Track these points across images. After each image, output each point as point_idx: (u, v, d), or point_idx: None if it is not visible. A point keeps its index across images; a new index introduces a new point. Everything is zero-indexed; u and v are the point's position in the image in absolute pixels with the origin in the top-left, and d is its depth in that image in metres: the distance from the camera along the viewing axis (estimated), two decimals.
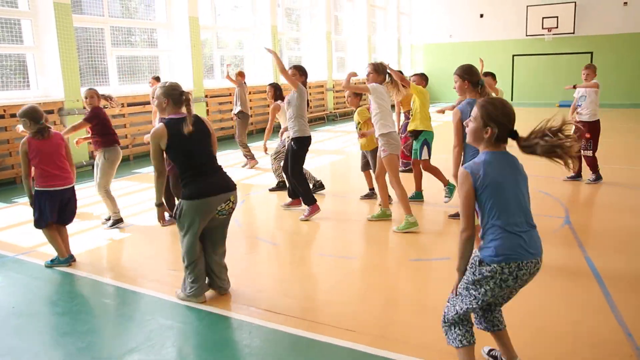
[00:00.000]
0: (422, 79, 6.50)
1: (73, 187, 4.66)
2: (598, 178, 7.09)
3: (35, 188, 4.48)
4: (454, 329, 2.63)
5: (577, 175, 7.15)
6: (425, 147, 6.14)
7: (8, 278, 4.38)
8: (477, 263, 2.48)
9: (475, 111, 2.55)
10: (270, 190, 7.17)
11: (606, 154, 9.31)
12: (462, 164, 4.20)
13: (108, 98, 5.93)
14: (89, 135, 5.72)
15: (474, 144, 2.59)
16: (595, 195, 6.64)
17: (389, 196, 5.83)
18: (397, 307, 3.72)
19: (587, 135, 6.94)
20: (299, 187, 5.88)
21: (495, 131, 2.46)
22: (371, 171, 6.24)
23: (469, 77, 4.24)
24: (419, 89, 6.26)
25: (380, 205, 5.70)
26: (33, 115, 4.44)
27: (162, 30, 11.68)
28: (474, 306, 2.53)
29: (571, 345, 3.06)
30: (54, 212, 4.52)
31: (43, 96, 8.89)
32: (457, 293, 2.60)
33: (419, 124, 6.17)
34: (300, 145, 5.82)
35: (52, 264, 4.57)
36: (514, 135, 2.51)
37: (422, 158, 6.15)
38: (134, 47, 11.36)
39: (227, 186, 3.70)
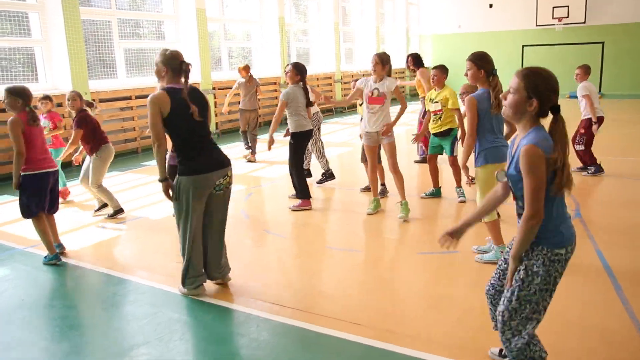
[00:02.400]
0: (443, 72, 6.31)
1: (57, 171, 4.63)
2: (597, 170, 7.08)
3: (22, 174, 4.35)
4: (534, 344, 2.42)
5: (598, 170, 7.10)
6: (457, 143, 6.06)
7: (16, 270, 4.41)
8: (544, 252, 2.33)
9: (516, 82, 2.32)
10: (318, 183, 7.08)
11: (621, 145, 9.21)
12: (476, 154, 4.18)
13: (89, 104, 5.99)
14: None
15: (512, 118, 2.38)
16: (606, 188, 6.57)
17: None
18: (404, 300, 3.69)
19: (582, 131, 7.07)
20: (297, 180, 5.99)
21: (538, 105, 2.27)
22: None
23: (486, 65, 4.04)
24: (452, 91, 6.12)
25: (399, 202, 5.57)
26: (28, 96, 4.39)
27: (170, 23, 11.66)
28: (548, 302, 2.40)
29: (581, 340, 3.03)
30: (46, 199, 4.46)
31: (51, 89, 8.91)
32: (528, 301, 2.37)
33: (450, 123, 6.02)
34: (298, 139, 5.99)
35: (47, 261, 4.51)
36: (557, 110, 2.29)
37: (455, 154, 6.08)
38: (141, 40, 11.35)
39: (224, 162, 3.68)
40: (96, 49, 10.11)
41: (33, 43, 8.95)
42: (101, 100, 9.50)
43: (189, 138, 3.55)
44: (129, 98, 10.09)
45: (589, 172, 7.07)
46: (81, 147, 5.94)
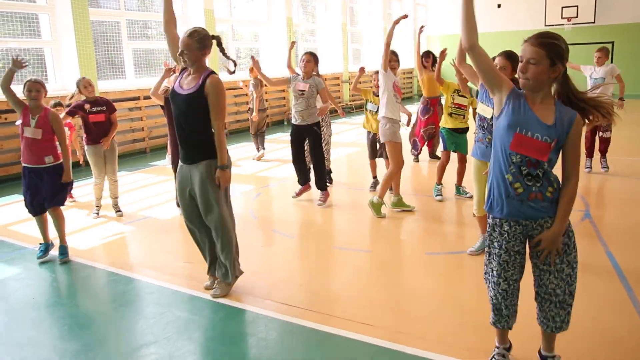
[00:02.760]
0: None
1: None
2: (605, 165, 7.14)
3: (54, 164, 4.51)
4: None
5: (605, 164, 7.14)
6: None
7: (27, 270, 4.44)
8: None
9: (536, 51, 2.27)
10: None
11: (630, 145, 9.14)
12: (477, 146, 4.19)
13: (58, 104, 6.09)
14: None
15: (533, 89, 2.33)
16: (615, 188, 6.51)
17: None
18: (413, 301, 3.68)
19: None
20: (322, 169, 6.09)
21: (562, 69, 2.27)
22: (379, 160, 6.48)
23: (517, 66, 4.01)
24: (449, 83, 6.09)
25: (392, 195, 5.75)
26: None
27: (178, 23, 11.66)
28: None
29: (591, 342, 3.00)
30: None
31: (61, 90, 8.97)
32: (568, 261, 2.45)
33: (462, 122, 5.94)
34: (320, 127, 6.10)
35: (65, 257, 4.58)
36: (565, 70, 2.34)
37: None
38: (149, 40, 11.40)
39: None
40: (105, 49, 10.17)
41: (43, 44, 9.01)
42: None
43: (173, 126, 3.61)
44: (138, 98, 10.14)
45: (604, 168, 7.09)
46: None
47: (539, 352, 2.72)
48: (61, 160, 4.54)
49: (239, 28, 14.22)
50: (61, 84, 9.09)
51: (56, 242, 4.66)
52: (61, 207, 4.64)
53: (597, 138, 7.14)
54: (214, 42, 3.63)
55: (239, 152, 9.85)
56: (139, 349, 3.10)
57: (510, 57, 3.91)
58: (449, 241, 4.92)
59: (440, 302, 3.59)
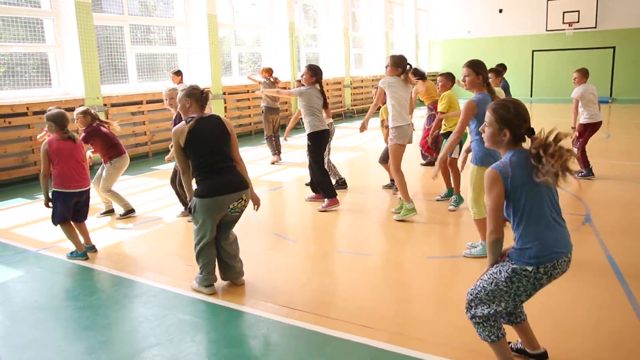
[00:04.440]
0: (448, 79, 6.34)
1: (89, 189, 4.79)
2: (589, 173, 7.14)
3: (53, 189, 4.61)
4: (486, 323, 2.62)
5: (589, 173, 7.12)
6: (457, 146, 6.07)
7: (30, 272, 4.47)
8: (511, 264, 2.48)
9: (488, 116, 2.56)
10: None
11: (631, 149, 9.15)
12: (479, 154, 4.25)
13: (105, 123, 5.95)
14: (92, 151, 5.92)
15: (494, 147, 2.59)
16: (616, 192, 6.53)
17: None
18: (414, 304, 3.70)
19: (577, 134, 7.17)
20: (320, 179, 6.08)
21: (511, 133, 2.48)
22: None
23: (483, 72, 4.27)
24: (447, 94, 6.19)
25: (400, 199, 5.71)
26: (60, 121, 4.63)
27: (181, 28, 11.77)
28: (508, 306, 2.55)
29: (592, 344, 3.02)
30: (69, 212, 4.66)
31: (64, 94, 9.04)
32: (484, 287, 2.57)
33: (453, 126, 6.04)
34: (315, 139, 6.05)
35: (72, 256, 4.70)
36: (531, 133, 2.49)
37: (452, 156, 6.04)
38: (152, 45, 11.47)
39: (240, 185, 3.75)
40: (108, 54, 10.24)
41: (47, 49, 9.08)
42: (113, 105, 9.62)
43: (204, 162, 3.70)
44: (140, 103, 10.19)
45: (579, 175, 7.11)
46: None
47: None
48: (59, 190, 4.62)
49: (241, 33, 14.30)
50: (64, 89, 9.15)
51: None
52: (73, 222, 4.75)
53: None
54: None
55: (246, 156, 9.86)
56: (142, 351, 3.13)
57: (471, 64, 4.29)
58: (451, 245, 4.94)
59: (440, 305, 3.61)
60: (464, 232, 5.20)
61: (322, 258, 4.68)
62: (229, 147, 3.81)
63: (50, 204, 4.63)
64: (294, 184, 7.57)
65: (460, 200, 5.97)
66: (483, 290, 2.57)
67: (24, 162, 8.27)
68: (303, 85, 6.14)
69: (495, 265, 2.55)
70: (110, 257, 4.79)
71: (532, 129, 2.50)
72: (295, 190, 7.19)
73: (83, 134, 5.61)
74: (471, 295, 2.63)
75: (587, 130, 7.12)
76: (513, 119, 2.49)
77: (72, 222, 4.72)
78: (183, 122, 3.74)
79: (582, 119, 7.12)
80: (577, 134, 7.13)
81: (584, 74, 7.11)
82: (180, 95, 3.80)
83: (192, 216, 3.78)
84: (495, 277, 2.52)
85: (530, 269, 2.43)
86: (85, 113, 5.71)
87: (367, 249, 4.84)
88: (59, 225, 4.68)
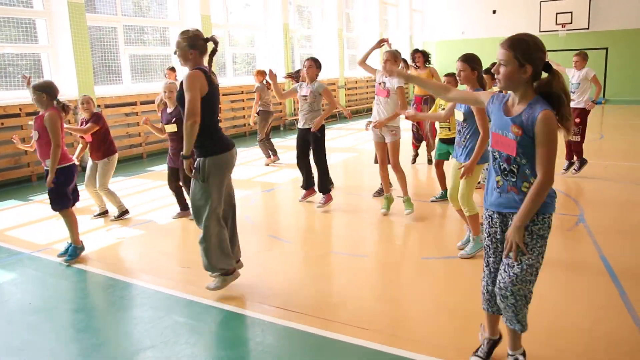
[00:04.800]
0: (456, 80, 6.36)
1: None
2: (583, 163, 7.20)
3: (58, 167, 4.48)
4: (526, 307, 2.54)
5: (570, 165, 7.26)
6: None
7: (24, 275, 4.44)
8: (547, 216, 2.46)
9: (504, 53, 2.36)
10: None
11: (625, 150, 9.21)
12: (467, 150, 4.30)
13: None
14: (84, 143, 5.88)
15: (509, 89, 2.43)
16: (610, 193, 6.57)
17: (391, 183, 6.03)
18: (410, 305, 3.70)
19: (577, 120, 7.12)
20: (324, 174, 6.16)
21: (532, 70, 2.32)
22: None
23: (478, 67, 4.26)
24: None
25: (400, 197, 5.77)
26: (52, 91, 4.58)
27: (175, 29, 11.73)
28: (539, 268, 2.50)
29: (586, 345, 3.03)
30: (75, 192, 4.65)
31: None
32: (522, 260, 2.44)
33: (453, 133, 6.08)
34: (323, 133, 6.17)
35: (72, 259, 4.60)
36: (549, 67, 2.37)
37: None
38: (146, 46, 11.43)
39: (233, 141, 3.80)
40: (102, 55, 10.19)
41: (40, 49, 9.03)
42: (107, 106, 9.58)
43: (215, 118, 3.62)
44: (134, 104, 10.16)
45: (575, 170, 7.18)
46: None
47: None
48: (64, 164, 4.54)
49: (236, 33, 14.27)
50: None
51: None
52: (72, 208, 4.66)
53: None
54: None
55: (241, 157, 9.84)
56: (136, 353, 3.11)
57: (467, 59, 4.26)
58: (445, 246, 4.95)
59: (436, 306, 3.61)
60: (457, 233, 5.21)
61: (317, 259, 4.67)
62: None
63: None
64: (288, 185, 7.56)
65: (445, 196, 6.09)
66: (533, 269, 2.45)
67: (17, 164, 8.22)
68: (302, 79, 6.22)
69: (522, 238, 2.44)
70: (104, 258, 4.77)
71: (549, 62, 2.37)
72: (289, 191, 7.19)
73: (95, 115, 5.65)
74: (519, 285, 2.46)
75: (587, 113, 7.17)
76: (534, 52, 2.32)
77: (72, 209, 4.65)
78: (197, 69, 3.48)
79: (581, 103, 7.12)
80: (577, 120, 7.08)
81: (584, 57, 7.20)
82: (182, 44, 3.52)
83: (202, 181, 3.55)
84: (534, 244, 2.44)
85: (551, 216, 2.47)
86: (90, 100, 5.76)
87: (362, 250, 4.85)
88: (61, 214, 4.57)
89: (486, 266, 2.73)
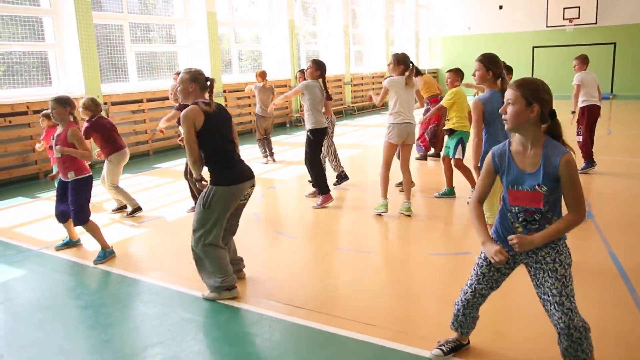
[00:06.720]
0: (458, 75, 6.30)
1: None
2: (588, 165, 7.18)
3: (74, 178, 4.55)
4: (588, 333, 2.49)
5: (588, 165, 7.20)
6: (459, 146, 6.01)
7: (32, 272, 4.46)
8: (562, 240, 2.50)
9: (512, 93, 2.39)
10: (335, 185, 6.97)
11: (633, 146, 9.14)
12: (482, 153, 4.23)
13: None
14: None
15: (518, 130, 2.42)
16: (618, 189, 6.52)
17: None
18: (417, 302, 3.70)
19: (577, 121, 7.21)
20: (317, 175, 6.09)
21: (539, 109, 2.34)
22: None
23: (494, 67, 4.10)
24: (455, 91, 6.16)
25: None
26: (72, 103, 4.61)
27: (180, 26, 11.75)
28: None
29: (596, 343, 3.01)
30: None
31: (64, 92, 9.01)
32: (562, 291, 2.45)
33: (455, 123, 6.06)
34: (316, 136, 6.07)
35: (101, 259, 4.59)
36: (554, 115, 2.39)
37: (456, 157, 6.02)
38: (152, 43, 11.45)
39: (251, 173, 3.82)
40: (108, 52, 10.22)
41: (47, 47, 9.07)
42: (113, 104, 9.61)
43: (222, 149, 3.67)
44: (141, 101, 10.19)
45: (580, 169, 7.12)
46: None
47: None
48: (85, 175, 4.60)
49: (241, 31, 14.28)
50: (64, 87, 9.13)
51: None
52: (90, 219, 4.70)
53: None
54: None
55: (243, 154, 9.85)
56: (144, 349, 3.12)
57: (482, 59, 4.13)
58: (453, 242, 4.93)
59: (443, 303, 3.59)
60: (464, 229, 5.19)
61: (324, 256, 4.67)
62: (231, 132, 3.82)
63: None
64: (294, 181, 7.56)
65: (450, 193, 6.17)
66: (572, 293, 2.46)
67: (25, 162, 8.27)
68: (306, 79, 6.15)
69: (554, 263, 2.47)
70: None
71: (554, 110, 2.40)
72: (295, 187, 7.19)
73: (86, 125, 5.61)
74: (571, 313, 2.44)
75: (585, 114, 7.13)
76: (541, 93, 2.36)
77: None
78: (194, 105, 3.59)
79: (580, 103, 7.17)
80: (576, 119, 7.15)
81: (583, 61, 7.17)
82: (185, 77, 3.66)
83: (202, 206, 3.60)
84: (565, 272, 2.46)
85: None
86: (94, 101, 5.73)
87: (367, 247, 4.84)
88: (83, 227, 4.62)
89: (472, 292, 2.71)
